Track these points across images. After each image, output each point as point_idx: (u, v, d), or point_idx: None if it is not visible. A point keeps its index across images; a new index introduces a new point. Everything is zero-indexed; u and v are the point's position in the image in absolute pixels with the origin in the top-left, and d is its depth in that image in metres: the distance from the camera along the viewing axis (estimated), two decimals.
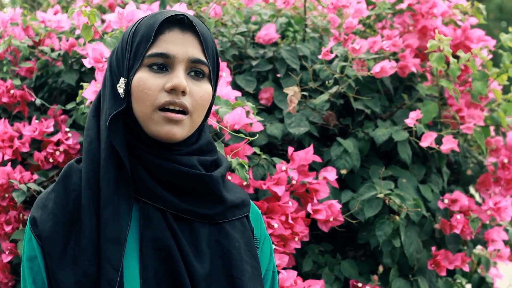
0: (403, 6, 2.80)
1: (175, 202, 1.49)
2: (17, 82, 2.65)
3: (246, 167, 2.17)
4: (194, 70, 1.50)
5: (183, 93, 1.47)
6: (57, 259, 1.44)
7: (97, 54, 2.27)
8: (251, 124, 2.26)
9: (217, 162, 1.58)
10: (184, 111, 1.48)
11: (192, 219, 1.50)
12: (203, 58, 1.51)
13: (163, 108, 1.47)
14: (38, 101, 2.63)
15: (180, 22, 1.50)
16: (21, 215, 2.46)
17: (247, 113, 2.25)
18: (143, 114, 1.48)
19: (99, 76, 2.25)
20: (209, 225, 1.52)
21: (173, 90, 1.46)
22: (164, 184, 1.49)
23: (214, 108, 2.21)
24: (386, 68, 2.52)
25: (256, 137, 2.26)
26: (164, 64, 1.48)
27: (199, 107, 1.51)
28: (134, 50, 1.49)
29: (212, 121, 2.19)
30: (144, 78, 1.47)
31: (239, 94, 2.35)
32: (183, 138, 1.50)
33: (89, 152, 1.50)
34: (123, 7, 3.12)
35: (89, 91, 2.25)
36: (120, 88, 1.49)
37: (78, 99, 2.36)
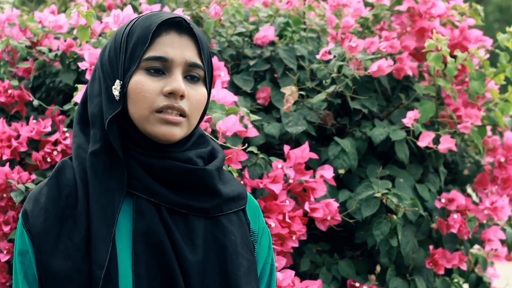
0: (402, 8, 2.80)
1: (169, 196, 1.48)
2: (15, 82, 2.65)
3: (235, 174, 2.18)
4: (191, 74, 1.50)
5: (181, 97, 1.47)
6: (48, 254, 1.43)
7: (93, 58, 2.28)
8: (246, 126, 2.27)
9: (213, 153, 1.58)
10: (181, 115, 1.48)
11: (187, 213, 1.50)
12: (199, 62, 1.51)
13: (161, 111, 1.47)
14: (35, 102, 2.63)
15: (177, 25, 1.49)
16: (19, 215, 2.45)
17: (241, 118, 2.26)
18: (140, 116, 1.48)
19: None
20: (205, 219, 1.52)
21: (171, 94, 1.46)
22: (158, 179, 1.49)
23: (211, 115, 2.22)
24: (383, 67, 2.52)
25: (245, 147, 2.26)
26: (161, 68, 1.48)
27: (196, 110, 1.51)
28: (129, 52, 1.48)
29: (207, 126, 2.21)
30: (141, 81, 1.46)
31: (235, 98, 2.36)
32: (181, 138, 1.51)
33: (77, 156, 1.50)
34: (122, 8, 3.13)
35: (80, 95, 2.25)
36: (116, 91, 1.48)
37: (73, 101, 2.37)
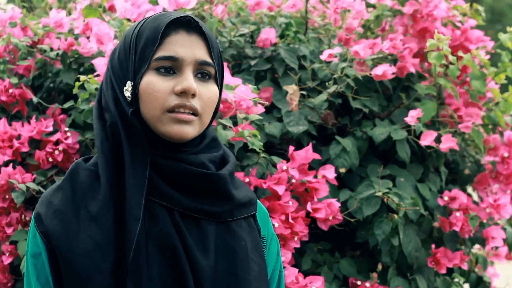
0: (405, 10, 2.80)
1: (182, 200, 1.48)
2: (15, 80, 2.64)
3: (259, 136, 2.20)
4: (201, 72, 1.50)
5: (193, 95, 1.47)
6: (68, 255, 1.43)
7: (101, 33, 2.29)
8: (255, 103, 2.27)
9: (225, 158, 1.58)
10: (193, 113, 1.49)
11: (199, 218, 1.50)
12: (209, 60, 1.51)
13: (173, 111, 1.47)
14: (35, 99, 2.62)
15: (186, 24, 1.50)
16: (23, 216, 2.44)
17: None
18: (152, 116, 1.48)
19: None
20: (216, 224, 1.52)
21: (183, 93, 1.46)
22: (171, 182, 1.49)
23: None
24: (387, 73, 2.53)
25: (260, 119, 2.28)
26: (171, 67, 1.48)
27: (208, 108, 1.51)
28: (139, 53, 1.48)
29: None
30: (152, 81, 1.47)
31: (239, 81, 2.36)
32: (194, 137, 1.51)
33: (102, 151, 1.50)
34: None
35: (101, 63, 2.27)
36: (127, 92, 1.48)
37: (79, 102, 2.37)
